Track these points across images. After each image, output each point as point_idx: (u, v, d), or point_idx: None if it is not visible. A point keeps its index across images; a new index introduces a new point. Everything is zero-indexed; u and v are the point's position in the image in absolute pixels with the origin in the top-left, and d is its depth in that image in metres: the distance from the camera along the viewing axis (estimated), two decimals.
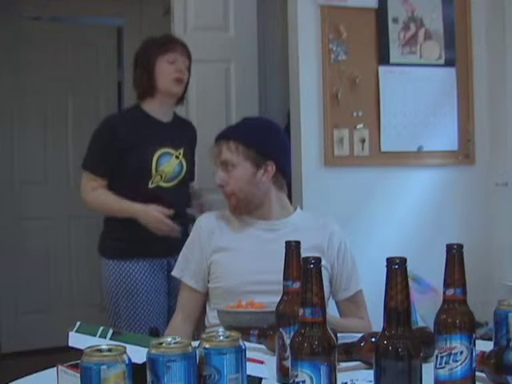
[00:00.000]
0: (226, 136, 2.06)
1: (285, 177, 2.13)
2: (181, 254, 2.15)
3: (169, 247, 2.57)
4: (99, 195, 2.69)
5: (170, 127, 2.75)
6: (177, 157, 2.71)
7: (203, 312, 2.08)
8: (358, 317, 2.06)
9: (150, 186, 2.65)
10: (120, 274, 2.67)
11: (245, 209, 2.08)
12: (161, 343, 1.07)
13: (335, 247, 2.06)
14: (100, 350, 1.05)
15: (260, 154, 2.02)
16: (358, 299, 2.08)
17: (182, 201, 2.77)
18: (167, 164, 2.68)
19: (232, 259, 2.04)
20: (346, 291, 2.06)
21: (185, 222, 2.75)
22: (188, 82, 2.79)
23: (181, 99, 2.82)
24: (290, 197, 2.49)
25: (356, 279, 2.08)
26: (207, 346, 1.09)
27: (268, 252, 1.98)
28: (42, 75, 4.78)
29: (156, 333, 2.41)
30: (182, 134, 2.79)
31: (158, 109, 2.73)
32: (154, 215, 2.58)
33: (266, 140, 2.07)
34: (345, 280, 2.06)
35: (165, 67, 2.69)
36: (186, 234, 2.40)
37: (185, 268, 2.10)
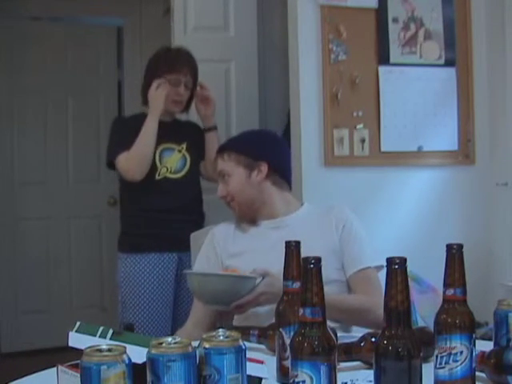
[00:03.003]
0: (220, 149, 2.18)
1: (284, 177, 2.17)
2: (196, 262, 2.20)
3: (181, 242, 2.60)
4: (129, 152, 2.74)
5: (170, 126, 2.86)
6: (179, 151, 2.84)
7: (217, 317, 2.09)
8: (363, 293, 2.01)
9: (157, 177, 2.79)
10: (130, 266, 2.78)
11: (249, 212, 2.13)
12: (161, 343, 1.07)
13: (340, 225, 2.07)
14: (100, 350, 1.05)
15: (251, 157, 2.10)
16: (364, 276, 2.03)
17: (191, 193, 2.87)
18: (170, 158, 2.82)
19: (243, 263, 2.04)
20: (351, 268, 2.04)
21: (195, 218, 2.84)
22: (193, 95, 2.89)
23: (186, 108, 2.93)
24: None
25: (362, 257, 2.05)
26: (207, 346, 1.09)
27: (277, 251, 1.98)
28: (42, 75, 4.78)
29: (131, 329, 2.46)
30: (183, 130, 2.91)
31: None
32: (154, 92, 2.76)
33: (256, 143, 2.16)
34: (348, 257, 2.04)
35: (167, 88, 2.79)
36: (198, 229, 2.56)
37: None
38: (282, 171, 2.16)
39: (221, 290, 1.81)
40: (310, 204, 2.24)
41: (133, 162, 2.73)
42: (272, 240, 2.04)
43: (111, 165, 2.82)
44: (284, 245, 1.96)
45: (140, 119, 2.83)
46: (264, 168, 2.10)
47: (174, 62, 2.81)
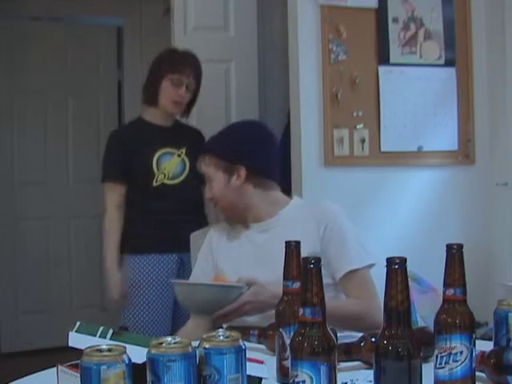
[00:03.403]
0: (203, 150, 2.14)
1: (269, 176, 2.10)
2: (196, 264, 2.19)
3: (181, 243, 2.60)
4: (109, 222, 2.86)
5: (170, 130, 2.88)
6: (179, 155, 2.84)
7: None
8: (356, 297, 1.95)
9: (155, 184, 2.79)
10: (131, 267, 2.80)
11: (234, 216, 2.11)
12: (161, 343, 1.07)
13: (322, 226, 1.98)
14: (100, 350, 1.05)
15: (229, 162, 2.04)
16: (355, 279, 1.95)
17: (191, 197, 2.86)
18: (169, 162, 2.81)
19: (232, 266, 2.04)
20: (339, 271, 1.94)
21: (196, 218, 2.83)
22: (196, 97, 2.90)
23: (187, 111, 2.93)
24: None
25: (347, 259, 1.95)
26: (207, 346, 1.09)
27: (261, 255, 2.00)
28: (42, 75, 4.78)
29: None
30: (183, 135, 2.90)
31: (159, 117, 2.87)
32: (109, 284, 2.84)
33: (234, 146, 2.07)
34: (334, 260, 1.96)
35: (168, 87, 2.81)
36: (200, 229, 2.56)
37: (201, 276, 2.11)
38: (264, 172, 2.09)
39: (206, 299, 1.80)
40: (299, 200, 2.19)
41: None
42: (258, 244, 2.04)
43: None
44: (267, 249, 1.95)
45: (137, 126, 2.89)
46: (242, 172, 2.03)
47: (177, 63, 2.81)
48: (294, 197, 2.19)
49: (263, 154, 2.10)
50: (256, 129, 2.20)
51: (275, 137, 2.25)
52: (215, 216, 2.91)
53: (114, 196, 2.86)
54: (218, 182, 2.05)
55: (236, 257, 2.07)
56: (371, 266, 1.97)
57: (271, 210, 2.08)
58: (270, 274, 1.87)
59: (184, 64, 2.82)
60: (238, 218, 2.11)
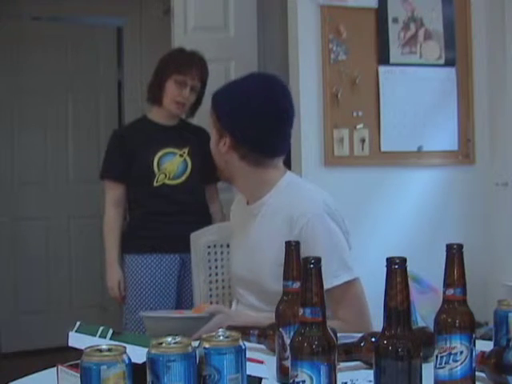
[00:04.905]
0: (213, 96, 1.96)
1: (260, 152, 1.88)
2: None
3: (182, 243, 2.60)
4: (109, 220, 2.89)
5: (173, 129, 2.88)
6: (181, 155, 2.83)
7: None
8: (341, 318, 1.81)
9: (155, 184, 2.80)
10: (133, 267, 2.82)
11: (224, 177, 2.01)
12: (161, 343, 1.07)
13: (293, 236, 1.76)
14: (100, 350, 1.05)
15: (222, 124, 1.88)
16: (334, 297, 1.76)
17: (192, 197, 2.87)
18: (170, 163, 2.81)
19: (232, 248, 2.06)
20: None
21: (198, 218, 2.82)
22: (201, 99, 2.89)
23: (191, 112, 2.93)
24: None
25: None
26: (207, 345, 1.09)
27: (248, 244, 1.94)
28: (42, 75, 4.78)
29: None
30: (187, 134, 2.90)
31: (163, 116, 2.88)
32: (109, 285, 2.90)
33: (232, 111, 1.88)
34: None
35: (172, 88, 2.81)
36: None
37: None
38: (253, 147, 1.87)
39: (173, 331, 1.80)
40: (290, 180, 1.94)
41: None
42: (246, 231, 1.95)
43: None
44: (252, 238, 1.92)
45: (140, 125, 2.89)
46: (227, 141, 1.87)
47: (183, 63, 2.81)
48: (286, 173, 1.95)
49: (257, 127, 1.86)
50: (266, 95, 1.88)
51: (288, 108, 1.92)
52: (220, 216, 2.92)
53: (113, 194, 2.88)
54: (212, 139, 1.95)
55: (234, 238, 2.07)
56: (351, 281, 1.82)
57: (257, 192, 1.91)
58: (248, 271, 1.89)
59: (190, 65, 2.81)
60: (228, 180, 2.03)
